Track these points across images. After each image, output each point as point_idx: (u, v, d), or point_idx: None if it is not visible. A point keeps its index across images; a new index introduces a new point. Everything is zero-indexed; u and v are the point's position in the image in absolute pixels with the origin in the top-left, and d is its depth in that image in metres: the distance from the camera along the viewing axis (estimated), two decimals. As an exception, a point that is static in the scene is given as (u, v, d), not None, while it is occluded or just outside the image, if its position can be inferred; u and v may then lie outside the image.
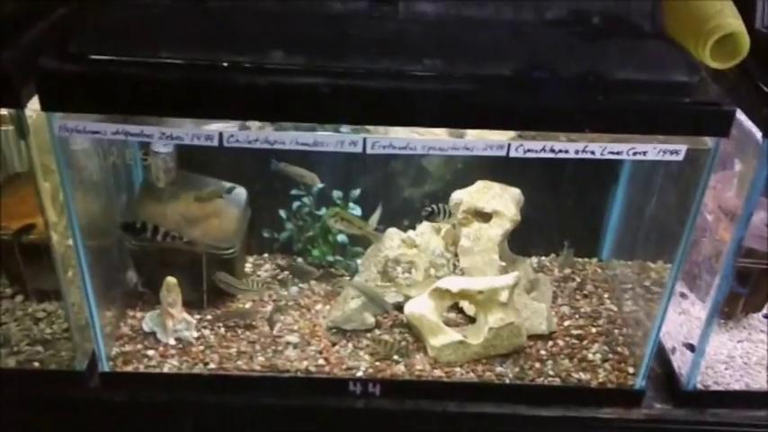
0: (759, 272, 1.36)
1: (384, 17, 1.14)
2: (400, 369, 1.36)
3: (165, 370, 1.34)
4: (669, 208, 1.29)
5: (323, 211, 1.51)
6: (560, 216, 1.55)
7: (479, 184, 1.45)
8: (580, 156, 1.11)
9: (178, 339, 1.40)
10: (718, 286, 1.24)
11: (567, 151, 1.11)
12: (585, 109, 1.06)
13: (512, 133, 1.14)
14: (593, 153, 1.11)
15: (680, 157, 1.11)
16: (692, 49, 1.12)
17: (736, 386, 1.34)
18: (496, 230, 1.42)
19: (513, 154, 1.11)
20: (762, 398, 1.32)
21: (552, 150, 1.11)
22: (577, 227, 1.59)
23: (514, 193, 1.44)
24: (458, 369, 1.36)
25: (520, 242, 1.52)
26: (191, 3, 1.10)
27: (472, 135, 1.16)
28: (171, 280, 1.36)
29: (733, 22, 1.09)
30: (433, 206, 1.39)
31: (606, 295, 1.57)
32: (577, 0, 1.17)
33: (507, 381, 1.35)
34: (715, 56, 1.10)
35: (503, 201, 1.43)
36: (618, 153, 1.11)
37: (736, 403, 1.33)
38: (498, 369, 1.37)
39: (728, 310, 1.42)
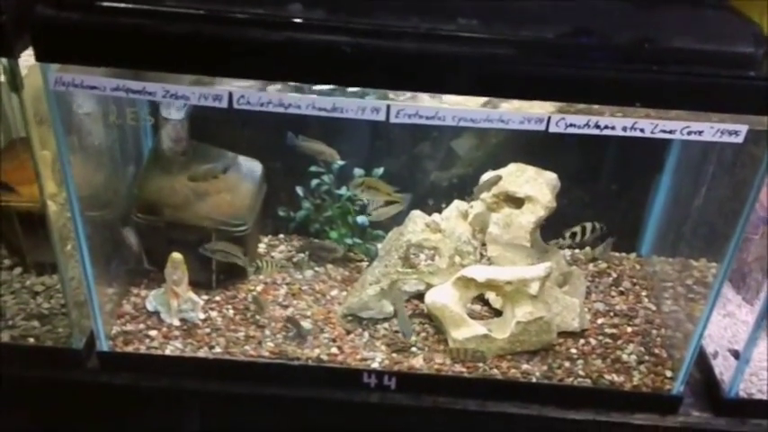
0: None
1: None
2: (418, 362, 1.26)
3: (167, 352, 1.26)
4: (720, 201, 1.18)
5: (343, 191, 1.41)
6: (598, 205, 1.43)
7: (512, 166, 1.34)
8: (628, 133, 1.00)
9: (183, 320, 1.31)
10: (768, 287, 1.12)
11: (613, 127, 1.00)
12: (637, 80, 0.95)
13: (550, 107, 1.03)
14: (642, 131, 1.00)
15: (740, 139, 1.00)
16: (759, 20, 1.01)
17: (783, 396, 1.22)
18: (529, 217, 1.31)
19: (552, 129, 1.00)
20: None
21: (597, 126, 1.00)
22: (616, 218, 1.46)
23: (550, 177, 1.32)
24: (480, 364, 1.26)
25: (554, 230, 1.40)
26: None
27: (507, 108, 1.05)
28: (176, 256, 1.27)
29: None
30: (576, 229, 1.30)
31: (644, 293, 1.45)
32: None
33: (534, 379, 1.25)
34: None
35: (537, 185, 1.31)
36: (671, 132, 1.00)
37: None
38: (524, 366, 1.26)
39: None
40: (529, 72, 0.95)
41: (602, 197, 1.44)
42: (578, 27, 0.97)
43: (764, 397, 1.24)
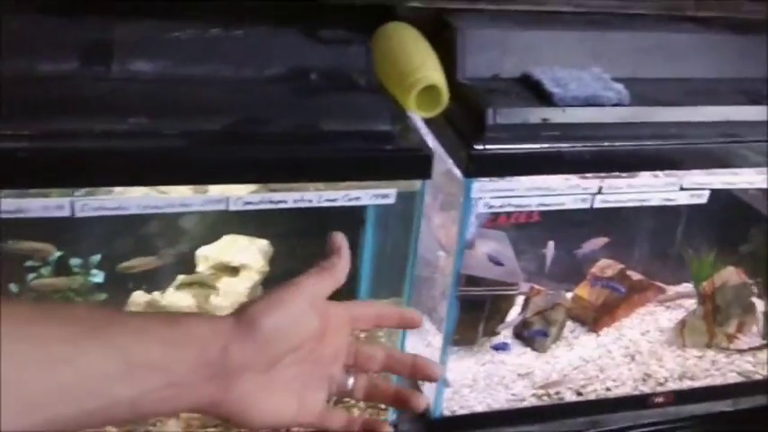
0: (493, 298, 1.48)
1: (97, 78, 1.13)
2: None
3: None
4: (400, 247, 1.38)
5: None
6: (310, 265, 1.58)
7: (226, 238, 1.46)
8: (299, 204, 1.16)
9: None
10: (446, 315, 1.33)
11: (285, 201, 1.15)
12: (296, 159, 1.11)
13: (253, 187, 1.17)
14: (310, 201, 1.17)
15: (392, 200, 1.19)
16: (400, 100, 1.22)
17: (479, 408, 1.43)
18: (245, 283, 1.43)
19: (232, 207, 1.13)
20: (500, 416, 1.42)
21: (271, 201, 1.15)
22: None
23: (262, 244, 1.46)
24: None
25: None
26: None
27: (216, 190, 1.17)
28: None
29: (434, 74, 1.19)
30: None
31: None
32: (299, 57, 1.24)
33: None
34: (420, 105, 1.19)
35: (250, 253, 1.45)
36: (334, 200, 1.17)
37: (481, 423, 1.42)
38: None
39: (469, 337, 1.52)
40: (197, 158, 1.07)
41: (314, 257, 1.59)
42: (245, 117, 1.11)
43: (465, 412, 1.44)
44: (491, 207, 1.23)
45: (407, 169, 1.17)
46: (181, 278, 1.48)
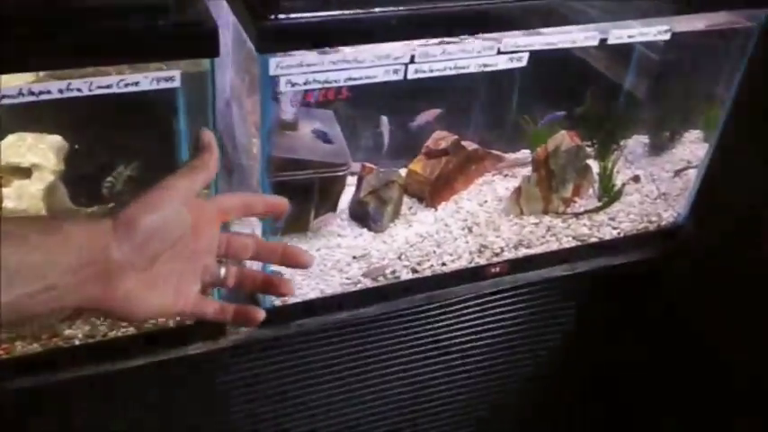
0: (321, 181, 1.40)
1: None
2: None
3: None
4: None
5: None
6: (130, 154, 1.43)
7: (11, 137, 1.29)
8: (67, 95, 1.01)
9: None
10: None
11: (49, 92, 1.00)
12: (51, 43, 0.95)
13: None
14: (80, 90, 1.02)
15: (177, 83, 1.06)
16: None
17: (313, 294, 1.38)
18: (38, 185, 1.28)
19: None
20: (333, 301, 1.38)
21: (32, 93, 0.99)
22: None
23: (54, 140, 1.30)
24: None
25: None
26: None
27: None
28: None
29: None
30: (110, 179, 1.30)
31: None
32: None
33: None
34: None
35: (41, 152, 1.29)
36: (108, 87, 1.03)
37: (314, 311, 1.38)
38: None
39: (301, 223, 1.45)
40: None
41: (124, 149, 1.45)
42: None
43: (298, 299, 1.39)
44: (294, 85, 1.12)
45: (189, 46, 1.03)
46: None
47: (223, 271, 0.81)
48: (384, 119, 1.52)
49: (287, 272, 1.05)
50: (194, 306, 0.78)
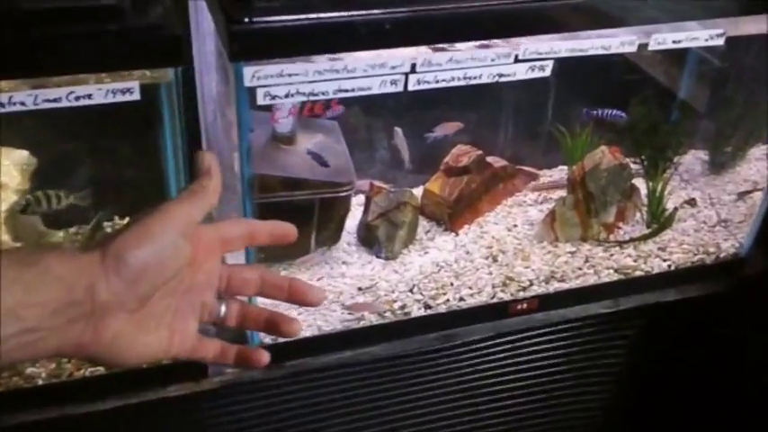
0: (321, 203, 1.25)
1: None
2: None
3: None
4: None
5: None
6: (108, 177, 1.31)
7: (-30, 154, 1.18)
8: (11, 109, 0.88)
9: None
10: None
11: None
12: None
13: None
14: (23, 104, 0.89)
15: (136, 96, 0.92)
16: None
17: (310, 332, 1.23)
18: (1, 206, 1.17)
19: None
20: (329, 340, 1.22)
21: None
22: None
23: (20, 156, 1.18)
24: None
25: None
26: None
27: None
28: None
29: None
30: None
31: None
32: None
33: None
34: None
35: (5, 169, 1.17)
36: (55, 100, 0.90)
37: (309, 351, 1.22)
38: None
39: (299, 249, 1.29)
40: None
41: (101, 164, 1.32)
42: None
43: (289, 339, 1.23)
44: (274, 97, 0.96)
45: (147, 55, 0.89)
46: None
47: (223, 308, 0.71)
48: (399, 131, 1.35)
49: (283, 306, 0.89)
50: (192, 349, 0.68)
